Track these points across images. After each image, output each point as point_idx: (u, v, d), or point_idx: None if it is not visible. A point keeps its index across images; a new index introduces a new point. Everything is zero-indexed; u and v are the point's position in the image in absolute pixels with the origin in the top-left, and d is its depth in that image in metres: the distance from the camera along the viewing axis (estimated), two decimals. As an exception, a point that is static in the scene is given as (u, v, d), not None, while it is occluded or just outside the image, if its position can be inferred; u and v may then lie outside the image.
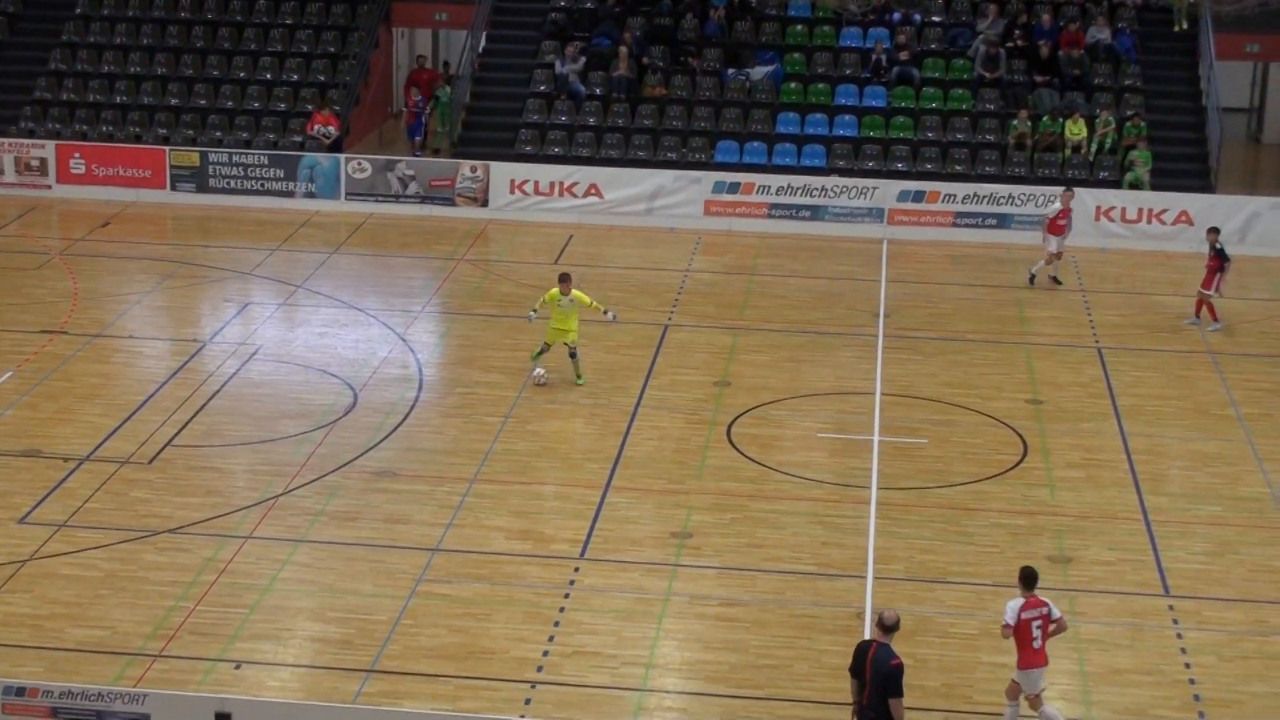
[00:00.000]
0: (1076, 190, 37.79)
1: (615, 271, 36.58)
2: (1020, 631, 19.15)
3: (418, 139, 43.27)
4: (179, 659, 20.65)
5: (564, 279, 29.28)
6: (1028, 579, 19.45)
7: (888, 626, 18.20)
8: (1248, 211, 38.52)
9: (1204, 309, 33.46)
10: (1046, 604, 19.40)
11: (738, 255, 37.75)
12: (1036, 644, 19.16)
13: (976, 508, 25.46)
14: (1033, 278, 35.77)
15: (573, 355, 29.40)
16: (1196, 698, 20.47)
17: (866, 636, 20.54)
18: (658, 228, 39.38)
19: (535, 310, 29.68)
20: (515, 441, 27.28)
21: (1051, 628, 19.28)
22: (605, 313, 29.91)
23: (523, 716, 18.80)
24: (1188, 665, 21.20)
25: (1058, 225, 35.60)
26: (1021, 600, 19.29)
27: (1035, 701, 19.35)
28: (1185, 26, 42.70)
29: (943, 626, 21.97)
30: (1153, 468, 26.99)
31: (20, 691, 18.23)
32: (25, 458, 26.14)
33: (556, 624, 21.71)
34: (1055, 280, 35.87)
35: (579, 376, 29.44)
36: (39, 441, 26.74)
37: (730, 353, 31.46)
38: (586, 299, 29.36)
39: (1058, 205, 35.97)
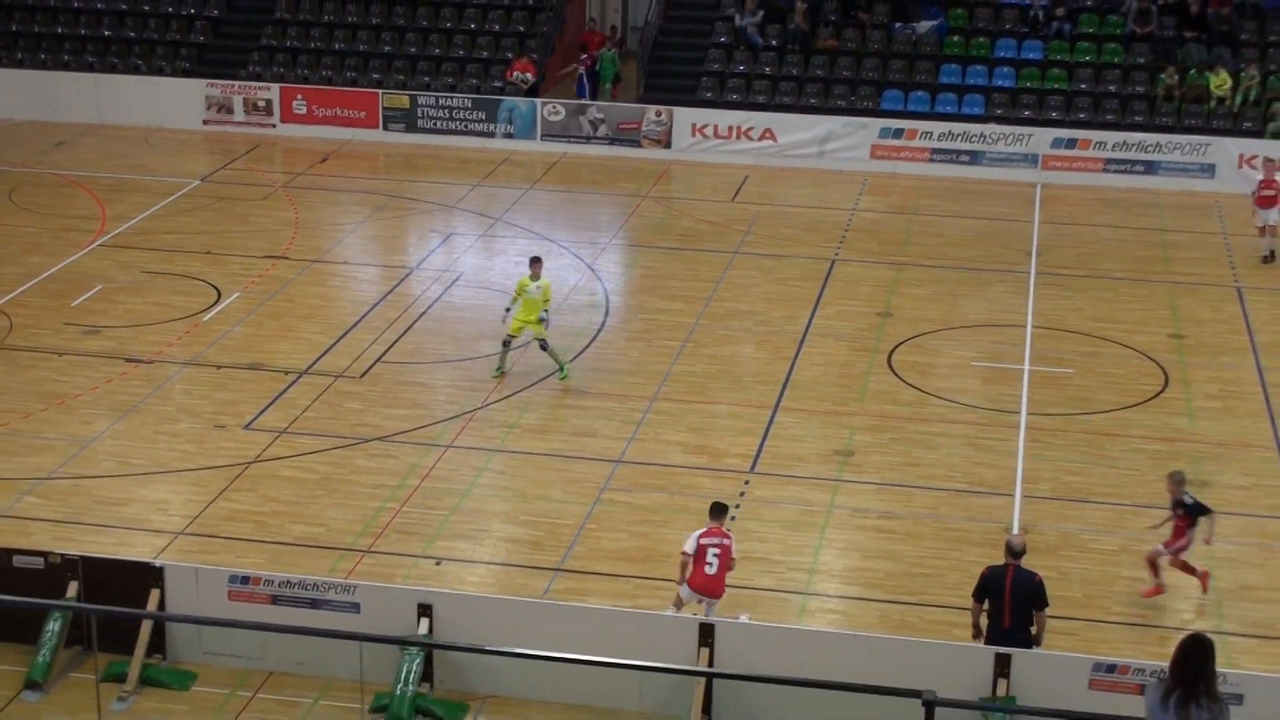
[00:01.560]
0: (1224, 142, 37.23)
1: (787, 210, 36.41)
2: (698, 554, 18.79)
3: (583, 99, 42.61)
4: (386, 554, 21.04)
5: (535, 261, 26.35)
6: (716, 511, 19.24)
7: (1018, 552, 17.98)
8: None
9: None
10: (730, 538, 19.07)
11: (901, 196, 37.41)
12: (710, 569, 18.74)
13: (1119, 433, 25.15)
14: (1268, 256, 32.64)
15: (544, 347, 26.24)
16: (1324, 615, 20.17)
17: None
18: (827, 170, 39.10)
19: (510, 309, 26.27)
20: (692, 364, 27.34)
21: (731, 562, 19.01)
22: (543, 314, 25.97)
23: (695, 614, 18.92)
24: (1316, 585, 20.89)
25: (1263, 198, 32.47)
26: (703, 529, 18.98)
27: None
28: None
29: (1084, 542, 21.79)
30: (1287, 400, 26.54)
31: (245, 580, 18.68)
32: (250, 370, 26.67)
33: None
34: (1267, 258, 32.75)
35: (562, 370, 26.28)
36: (263, 356, 27.24)
37: (892, 286, 31.25)
38: (550, 294, 26.26)
39: (1260, 176, 32.90)
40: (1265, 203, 32.49)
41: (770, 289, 30.92)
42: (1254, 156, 37.27)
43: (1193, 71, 39.83)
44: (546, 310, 26.16)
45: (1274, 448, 24.72)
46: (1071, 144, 38.41)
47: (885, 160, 39.08)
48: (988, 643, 17.81)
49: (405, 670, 17.79)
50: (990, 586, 17.91)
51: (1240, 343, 28.82)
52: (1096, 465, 24.08)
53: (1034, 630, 17.84)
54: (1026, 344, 28.50)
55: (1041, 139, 38.48)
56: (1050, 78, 40.62)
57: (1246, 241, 33.80)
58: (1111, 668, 17.36)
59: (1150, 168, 38.07)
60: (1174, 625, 19.67)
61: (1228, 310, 30.39)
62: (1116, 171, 38.22)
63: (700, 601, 18.95)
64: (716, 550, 18.85)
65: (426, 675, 18.13)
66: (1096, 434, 25.10)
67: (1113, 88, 40.25)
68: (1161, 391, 26.69)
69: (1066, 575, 20.66)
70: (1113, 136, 38.36)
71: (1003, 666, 17.33)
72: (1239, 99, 39.28)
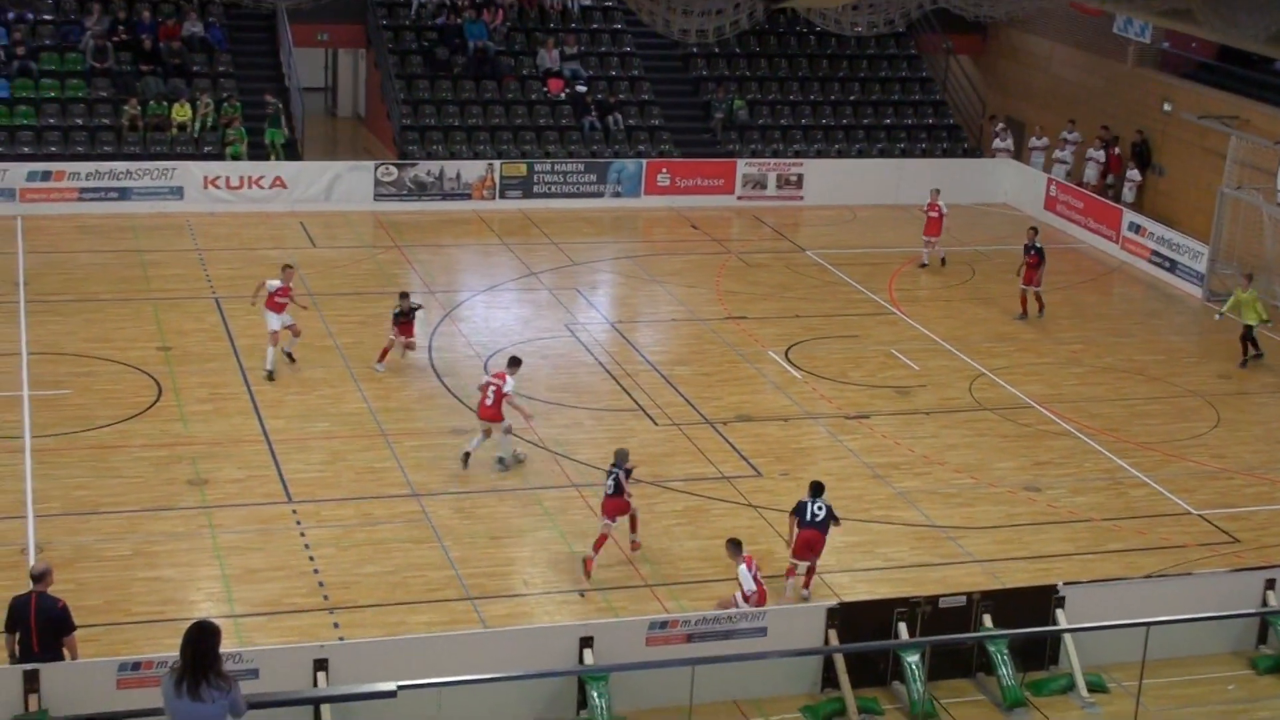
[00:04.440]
0: (189, 166, 37.77)
1: None
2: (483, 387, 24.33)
3: None
4: None
5: None
6: (511, 362, 24.84)
7: (37, 576, 17.36)
8: (331, 174, 39.29)
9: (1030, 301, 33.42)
10: (504, 379, 24.04)
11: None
12: (489, 402, 24.11)
13: (121, 445, 24.95)
14: (270, 374, 27.97)
15: None
16: (321, 584, 20.97)
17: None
18: None
19: None
20: None
21: (495, 398, 24.03)
22: None
23: None
24: (311, 558, 21.67)
25: (275, 302, 27.89)
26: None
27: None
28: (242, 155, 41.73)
29: (99, 551, 21.49)
30: (271, 395, 27.22)
31: None
32: None
33: None
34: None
35: None
36: None
37: (-119, 328, 29.36)
38: None
39: (277, 282, 27.97)
40: (277, 307, 27.86)
41: None
42: (217, 177, 38.03)
43: (152, 102, 39.97)
44: None
45: (263, 440, 25.38)
46: (47, 176, 37.55)
47: None
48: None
49: None
50: (16, 615, 17.22)
51: (223, 349, 29.28)
52: (103, 477, 23.78)
53: (67, 655, 17.31)
54: (23, 370, 27.65)
55: (17, 173, 37.29)
56: (19, 114, 39.43)
57: (219, 255, 34.45)
58: (137, 665, 17.26)
59: (124, 194, 37.87)
60: (188, 616, 19.75)
61: (209, 320, 30.80)
62: (92, 199, 37.72)
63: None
64: (494, 389, 24.11)
65: None
66: (100, 448, 24.79)
67: (80, 121, 39.67)
68: (156, 401, 26.71)
69: (85, 585, 20.30)
70: (85, 167, 37.83)
71: (32, 683, 16.80)
72: (198, 125, 39.86)
